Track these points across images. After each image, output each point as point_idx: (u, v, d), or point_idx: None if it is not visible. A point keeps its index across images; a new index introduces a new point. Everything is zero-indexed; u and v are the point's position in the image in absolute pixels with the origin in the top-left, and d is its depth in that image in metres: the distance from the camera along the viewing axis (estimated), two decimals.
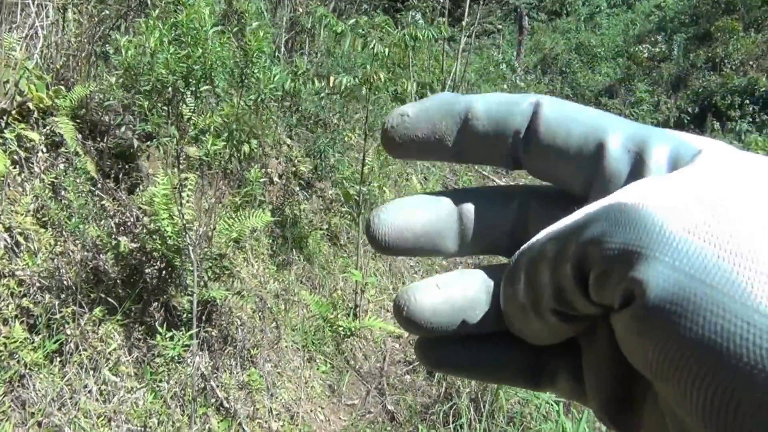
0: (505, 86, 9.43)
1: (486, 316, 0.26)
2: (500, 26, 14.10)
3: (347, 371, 3.23)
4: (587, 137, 0.24)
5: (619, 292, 0.19)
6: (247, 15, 2.16)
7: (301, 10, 5.00)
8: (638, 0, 14.42)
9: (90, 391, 2.40)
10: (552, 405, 2.86)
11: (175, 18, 1.77)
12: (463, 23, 8.72)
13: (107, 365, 2.48)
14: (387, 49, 3.43)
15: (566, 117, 0.24)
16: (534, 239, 0.23)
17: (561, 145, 0.24)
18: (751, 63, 9.35)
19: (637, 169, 0.23)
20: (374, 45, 3.43)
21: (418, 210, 0.27)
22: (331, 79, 4.25)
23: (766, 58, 9.23)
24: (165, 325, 2.53)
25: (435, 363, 0.27)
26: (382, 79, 3.61)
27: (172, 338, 2.47)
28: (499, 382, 0.28)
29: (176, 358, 2.49)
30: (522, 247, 0.23)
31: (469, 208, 0.28)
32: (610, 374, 0.24)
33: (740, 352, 0.15)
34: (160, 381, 2.51)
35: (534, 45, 13.82)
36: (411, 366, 3.40)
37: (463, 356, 0.27)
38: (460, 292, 0.26)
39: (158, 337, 2.45)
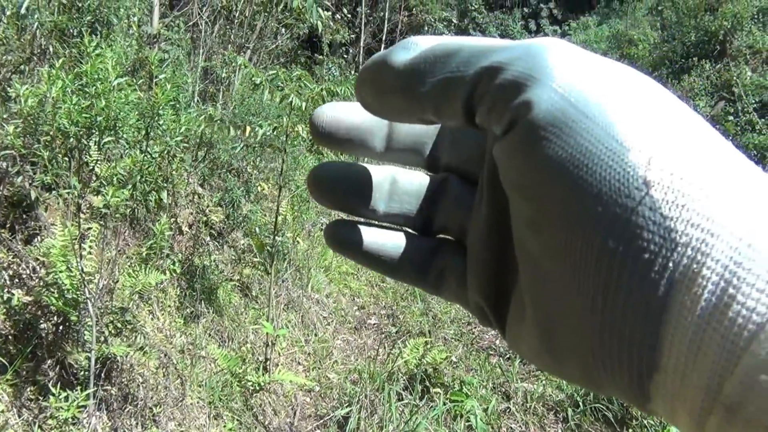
0: None
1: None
2: None
3: (256, 427, 3.14)
4: None
5: (507, 116, 0.22)
6: (153, 66, 2.13)
7: (215, 59, 5.00)
8: None
9: None
10: None
11: (79, 68, 1.74)
12: None
13: None
14: (304, 104, 3.47)
15: None
16: (448, 42, 0.24)
17: None
18: None
19: None
20: (292, 99, 3.46)
21: (355, 109, 0.30)
22: (247, 129, 4.24)
23: None
24: (60, 385, 2.39)
25: (339, 243, 0.31)
26: (302, 133, 3.63)
27: (66, 398, 2.34)
28: (392, 274, 0.31)
29: (71, 419, 2.35)
30: (434, 42, 0.25)
31: (400, 126, 0.31)
32: (488, 260, 0.27)
33: (595, 169, 0.19)
34: None
35: None
36: (322, 420, 3.35)
37: (362, 239, 0.30)
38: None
39: (52, 398, 2.31)
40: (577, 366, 0.21)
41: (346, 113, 0.30)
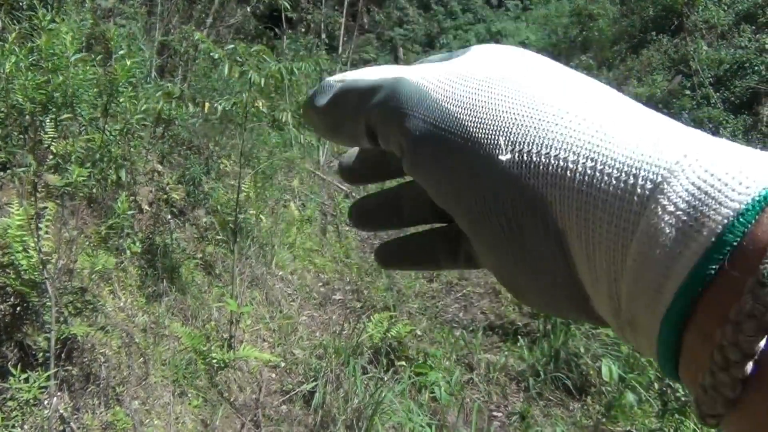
0: None
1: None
2: (376, 56, 14.45)
3: (221, 404, 3.15)
4: None
5: (395, 143, 0.28)
6: (112, 42, 2.07)
7: (174, 33, 4.89)
8: (504, 37, 15.31)
9: None
10: (425, 428, 2.93)
11: (33, 43, 1.68)
12: (339, 50, 8.88)
13: None
14: (263, 79, 3.43)
15: None
16: (347, 84, 0.31)
17: None
18: None
19: None
20: (251, 75, 3.41)
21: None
22: (206, 105, 4.18)
23: None
24: (20, 366, 2.36)
25: (385, 261, 0.37)
26: (262, 107, 3.59)
27: (27, 380, 2.30)
28: (436, 268, 0.36)
29: (32, 400, 2.33)
30: (340, 84, 0.31)
31: None
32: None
33: (459, 165, 0.26)
34: (14, 426, 2.33)
35: None
36: (288, 396, 3.37)
37: (402, 251, 0.37)
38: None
39: (12, 379, 2.27)
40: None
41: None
